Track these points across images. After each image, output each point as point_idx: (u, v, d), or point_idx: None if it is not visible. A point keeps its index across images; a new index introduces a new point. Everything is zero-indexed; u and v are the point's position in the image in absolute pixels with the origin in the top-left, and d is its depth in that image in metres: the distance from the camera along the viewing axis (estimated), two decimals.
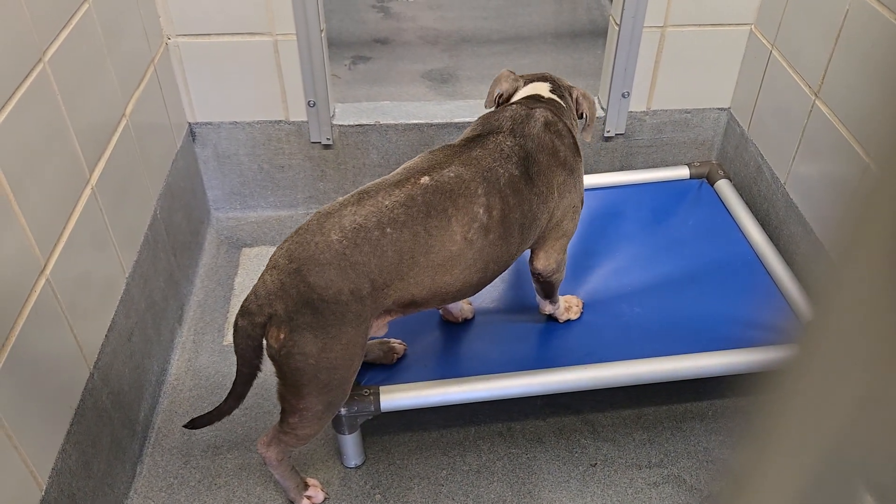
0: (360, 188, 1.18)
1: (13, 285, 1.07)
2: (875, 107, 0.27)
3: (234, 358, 1.72)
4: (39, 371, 1.13)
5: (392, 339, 1.47)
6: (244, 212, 2.07)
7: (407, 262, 1.13)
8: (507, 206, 1.20)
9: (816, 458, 0.32)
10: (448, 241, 1.15)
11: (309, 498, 1.39)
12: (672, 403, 1.58)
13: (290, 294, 1.09)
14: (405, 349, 1.48)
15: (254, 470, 1.46)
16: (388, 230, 1.11)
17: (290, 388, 1.17)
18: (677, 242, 1.74)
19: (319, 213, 1.15)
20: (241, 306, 1.14)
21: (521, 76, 1.42)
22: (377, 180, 1.19)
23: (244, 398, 1.25)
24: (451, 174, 1.18)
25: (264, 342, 1.15)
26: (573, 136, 1.34)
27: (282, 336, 1.11)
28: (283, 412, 1.23)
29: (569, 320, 1.54)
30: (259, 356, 1.17)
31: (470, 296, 1.28)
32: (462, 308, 1.54)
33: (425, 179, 1.16)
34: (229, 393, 1.24)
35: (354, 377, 1.22)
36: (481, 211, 1.17)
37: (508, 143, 1.25)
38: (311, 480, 1.41)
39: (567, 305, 1.54)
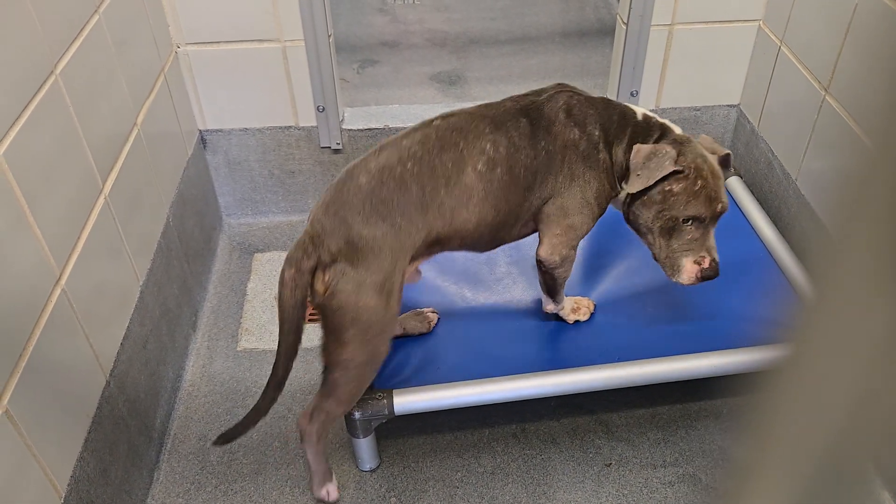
0: (378, 143, 1.27)
1: (29, 296, 1.08)
2: (877, 89, 0.27)
3: (249, 363, 1.73)
4: (57, 380, 1.14)
5: (425, 309, 1.56)
6: (256, 217, 2.09)
7: (429, 194, 1.21)
8: (513, 146, 1.26)
9: (821, 449, 0.32)
10: (462, 174, 1.23)
11: (328, 492, 1.41)
12: (686, 402, 1.58)
13: (332, 235, 1.18)
14: (438, 317, 1.56)
15: (270, 474, 1.47)
16: (409, 165, 1.21)
17: (333, 335, 1.22)
18: None
19: (346, 168, 1.24)
20: (286, 258, 1.20)
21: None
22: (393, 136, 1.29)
23: (283, 387, 1.26)
24: (461, 117, 1.28)
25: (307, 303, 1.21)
26: (603, 136, 1.31)
27: (327, 277, 1.17)
28: (325, 371, 1.27)
29: (577, 321, 1.54)
30: (303, 314, 1.20)
31: (486, 245, 1.34)
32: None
33: (437, 121, 1.27)
34: (267, 384, 1.26)
35: (392, 330, 1.28)
36: (488, 146, 1.25)
37: (520, 104, 1.30)
38: (332, 476, 1.43)
39: (575, 306, 1.54)
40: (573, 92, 1.33)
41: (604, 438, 1.51)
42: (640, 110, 1.35)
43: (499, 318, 1.57)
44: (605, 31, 2.72)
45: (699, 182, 1.26)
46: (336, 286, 1.17)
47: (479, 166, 1.24)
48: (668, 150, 1.27)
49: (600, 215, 1.37)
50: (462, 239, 1.29)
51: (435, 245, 1.27)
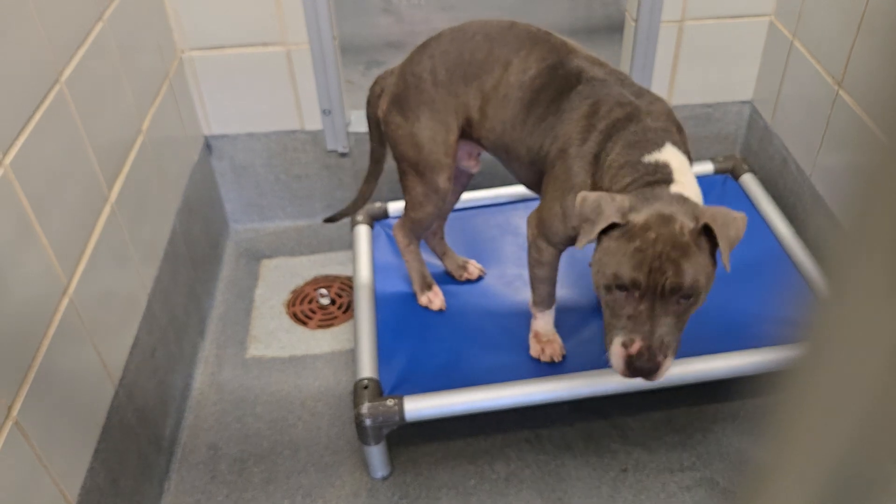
0: None
1: (38, 306, 1.07)
2: (889, 82, 0.26)
3: (257, 371, 1.72)
4: (66, 390, 1.13)
5: (471, 262, 1.66)
6: (262, 223, 2.07)
7: (474, 70, 1.29)
8: (543, 90, 1.24)
9: (842, 450, 0.31)
10: (503, 73, 1.28)
11: (429, 299, 1.58)
12: (702, 405, 1.55)
13: (397, 70, 1.37)
14: (480, 274, 1.66)
15: (280, 483, 1.45)
16: (478, 38, 1.30)
17: (396, 162, 1.41)
18: None
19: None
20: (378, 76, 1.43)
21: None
22: None
23: (379, 176, 1.55)
24: (547, 37, 1.29)
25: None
26: (595, 151, 1.18)
27: (384, 106, 1.38)
28: (403, 190, 1.45)
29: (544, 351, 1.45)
30: (379, 126, 1.44)
31: (504, 161, 1.35)
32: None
33: (533, 27, 1.31)
34: (367, 174, 1.56)
35: (445, 173, 1.37)
36: (533, 70, 1.26)
37: (587, 78, 1.22)
38: (436, 288, 1.59)
39: (541, 344, 1.44)
40: (645, 116, 1.16)
41: (619, 443, 1.49)
42: (672, 158, 1.13)
43: (510, 323, 1.55)
44: (614, 28, 2.69)
45: (638, 241, 1.03)
46: (388, 116, 1.36)
47: (512, 78, 1.27)
48: (618, 198, 1.06)
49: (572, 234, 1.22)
50: (483, 136, 1.33)
51: (468, 126, 1.34)
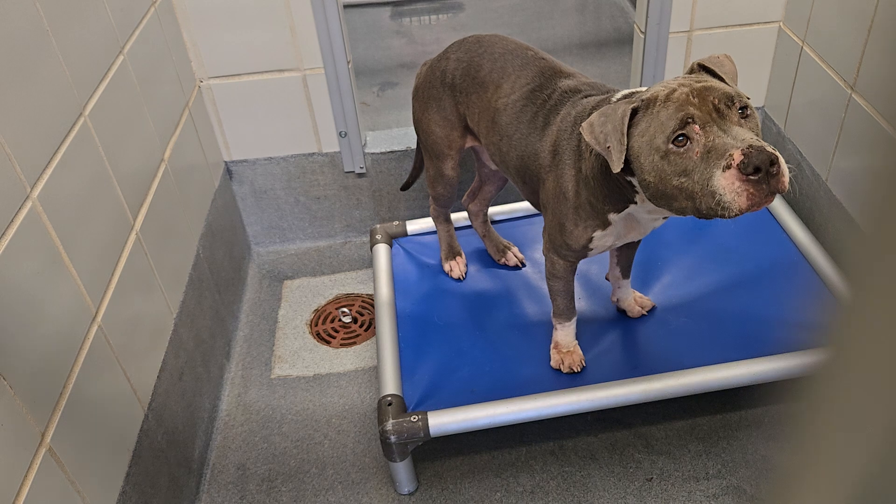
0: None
1: (67, 334, 1.10)
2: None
3: (283, 391, 1.75)
4: (97, 416, 1.16)
5: (513, 248, 1.74)
6: (284, 245, 2.11)
7: (474, 85, 1.39)
8: (522, 108, 1.30)
9: (868, 454, 0.31)
10: (493, 92, 1.35)
11: (450, 267, 1.72)
12: (726, 412, 1.55)
13: (431, 61, 1.51)
14: (518, 262, 1.72)
15: (308, 501, 1.47)
16: (486, 55, 1.39)
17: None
18: (720, 247, 1.71)
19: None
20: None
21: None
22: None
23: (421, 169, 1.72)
24: (549, 61, 1.34)
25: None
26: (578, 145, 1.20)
27: (413, 88, 1.54)
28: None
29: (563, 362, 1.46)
30: None
31: (501, 168, 1.40)
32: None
33: (531, 51, 1.37)
34: (417, 145, 1.67)
35: (446, 162, 1.53)
36: (516, 93, 1.31)
37: (582, 95, 1.24)
38: (460, 258, 1.72)
39: (564, 351, 1.46)
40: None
41: (644, 452, 1.49)
42: (641, 89, 1.13)
43: (530, 334, 1.56)
44: (623, 40, 2.71)
45: (658, 101, 0.99)
46: (412, 100, 1.54)
47: (500, 101, 1.32)
48: (613, 101, 1.07)
49: (584, 247, 1.26)
50: (483, 142, 1.41)
51: (469, 130, 1.47)
